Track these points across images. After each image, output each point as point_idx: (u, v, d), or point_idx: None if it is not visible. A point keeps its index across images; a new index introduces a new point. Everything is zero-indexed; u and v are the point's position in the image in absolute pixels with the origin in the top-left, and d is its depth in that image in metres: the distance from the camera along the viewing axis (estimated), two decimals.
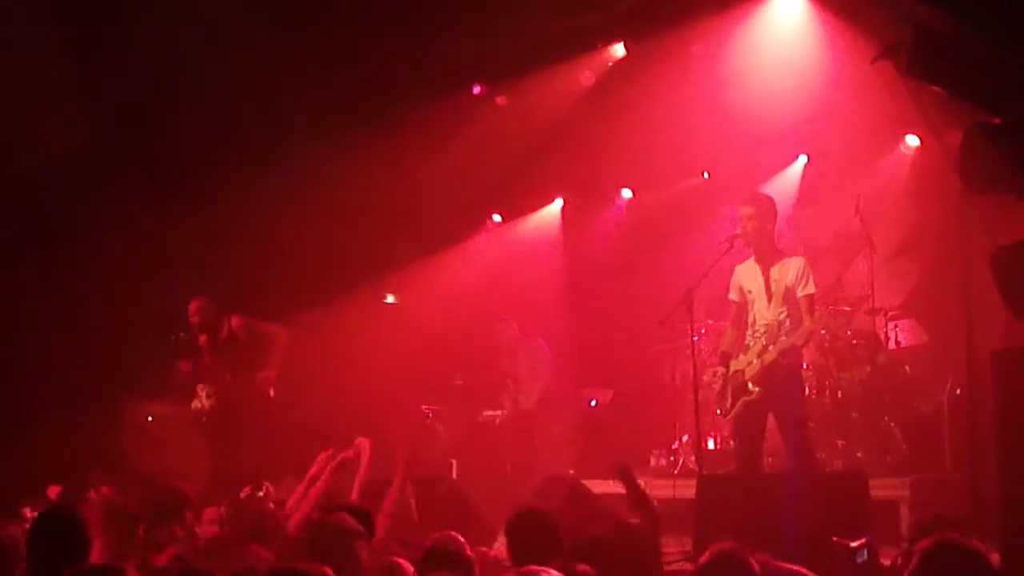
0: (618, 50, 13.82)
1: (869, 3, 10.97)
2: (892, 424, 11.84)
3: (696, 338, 10.96)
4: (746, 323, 10.27)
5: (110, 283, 13.40)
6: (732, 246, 10.21)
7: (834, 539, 7.17)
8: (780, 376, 9.94)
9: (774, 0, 12.75)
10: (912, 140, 13.29)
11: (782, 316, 9.98)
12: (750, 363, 10.05)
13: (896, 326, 12.51)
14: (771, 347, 9.92)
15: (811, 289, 9.99)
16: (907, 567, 4.97)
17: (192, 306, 12.42)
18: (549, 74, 13.95)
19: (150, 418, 13.43)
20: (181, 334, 12.50)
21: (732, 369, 10.23)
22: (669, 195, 15.13)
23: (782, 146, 14.06)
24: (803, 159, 14.25)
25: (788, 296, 9.98)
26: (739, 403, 10.10)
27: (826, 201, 13.94)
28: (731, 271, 10.49)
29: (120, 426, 13.37)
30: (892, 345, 12.42)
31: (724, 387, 10.30)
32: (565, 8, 12.90)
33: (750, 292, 10.21)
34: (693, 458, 11.85)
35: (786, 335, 9.92)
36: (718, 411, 10.69)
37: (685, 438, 12.82)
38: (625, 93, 13.71)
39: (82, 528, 6.12)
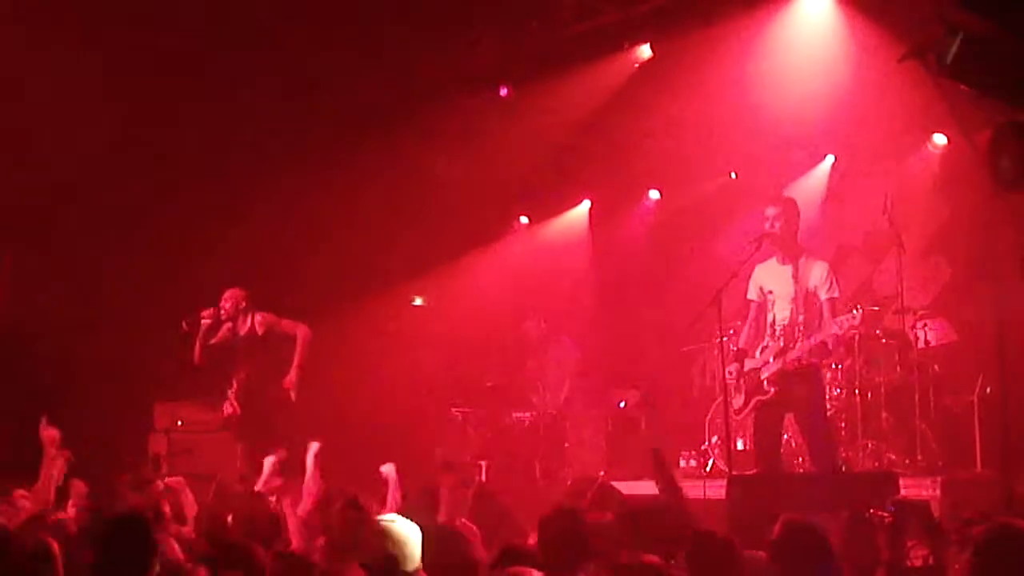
0: (644, 51, 13.78)
1: (896, 1, 10.94)
2: (922, 424, 11.78)
3: (725, 339, 10.92)
4: (765, 322, 10.21)
5: (140, 287, 13.49)
6: (760, 246, 10.14)
7: (871, 511, 7.21)
8: (798, 378, 9.90)
9: None
10: (939, 138, 13.25)
11: (800, 319, 9.91)
12: (766, 363, 10.03)
13: (926, 325, 12.42)
14: (790, 348, 9.91)
15: (834, 293, 9.88)
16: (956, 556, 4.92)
17: (226, 293, 12.35)
18: (576, 75, 13.93)
19: (180, 422, 13.48)
20: (186, 324, 12.38)
21: (747, 367, 10.20)
22: (697, 195, 15.12)
23: (809, 145, 14.04)
24: (830, 158, 14.23)
25: (809, 298, 9.92)
26: (753, 402, 10.11)
27: (854, 201, 13.92)
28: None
29: (150, 430, 13.43)
30: (922, 344, 12.34)
31: (738, 384, 10.29)
32: (591, 9, 12.90)
33: (771, 292, 10.14)
34: (723, 459, 11.84)
35: (801, 337, 9.87)
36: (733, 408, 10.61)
37: (715, 439, 12.81)
38: (652, 94, 13.69)
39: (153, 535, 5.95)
